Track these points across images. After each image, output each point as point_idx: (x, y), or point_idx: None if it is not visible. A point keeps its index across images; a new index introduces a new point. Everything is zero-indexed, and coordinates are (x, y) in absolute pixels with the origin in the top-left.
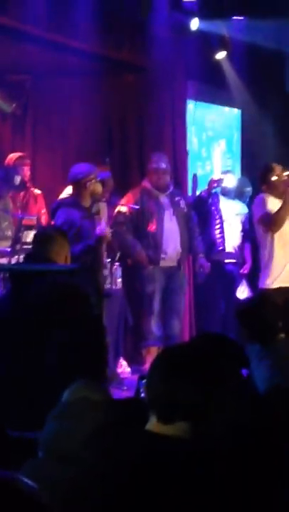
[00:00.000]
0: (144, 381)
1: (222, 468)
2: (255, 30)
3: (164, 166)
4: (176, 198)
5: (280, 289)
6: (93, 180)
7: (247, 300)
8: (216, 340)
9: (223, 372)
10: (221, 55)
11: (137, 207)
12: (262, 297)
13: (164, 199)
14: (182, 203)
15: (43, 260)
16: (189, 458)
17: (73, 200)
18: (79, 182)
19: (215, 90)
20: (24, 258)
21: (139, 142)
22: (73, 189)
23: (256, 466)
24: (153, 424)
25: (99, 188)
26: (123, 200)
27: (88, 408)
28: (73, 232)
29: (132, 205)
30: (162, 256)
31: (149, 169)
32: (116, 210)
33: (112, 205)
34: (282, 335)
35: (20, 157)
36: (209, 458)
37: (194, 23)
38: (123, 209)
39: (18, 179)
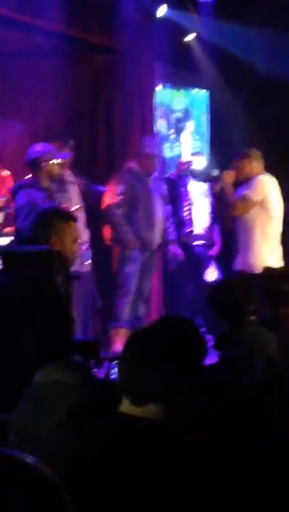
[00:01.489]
0: (114, 363)
1: (190, 451)
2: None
3: (157, 151)
4: (160, 183)
5: (243, 273)
6: (50, 161)
7: (218, 280)
8: (176, 324)
9: (190, 356)
10: (190, 36)
11: (121, 196)
12: (234, 278)
13: (151, 183)
14: (165, 188)
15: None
16: (159, 439)
17: (33, 181)
18: (34, 162)
19: (183, 72)
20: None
21: (107, 124)
22: (31, 170)
23: (224, 450)
24: (125, 407)
25: (55, 168)
26: (112, 183)
27: (60, 390)
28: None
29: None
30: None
31: (141, 153)
32: (106, 198)
33: (94, 189)
34: (253, 317)
35: None
36: (179, 440)
37: (161, 10)
38: (115, 192)
39: None
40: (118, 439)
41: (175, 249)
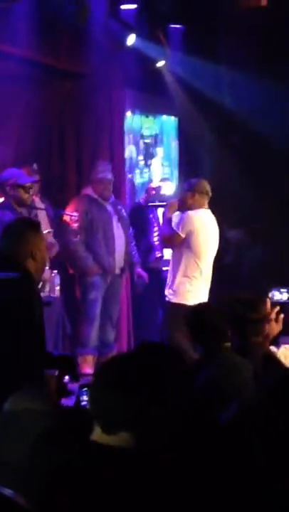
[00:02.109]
0: (84, 389)
1: (163, 479)
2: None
3: (109, 176)
4: (119, 207)
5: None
6: (14, 185)
7: (198, 304)
8: (156, 349)
9: (164, 383)
10: (159, 63)
11: (76, 215)
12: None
13: (109, 207)
14: (123, 212)
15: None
16: (131, 468)
17: (6, 204)
18: (1, 186)
19: (152, 98)
20: None
21: (76, 149)
22: (3, 194)
23: (198, 477)
24: (97, 434)
25: (21, 192)
26: (69, 209)
27: (31, 418)
28: None
29: (72, 214)
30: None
31: (94, 178)
32: (64, 219)
33: (56, 213)
34: (228, 343)
35: None
36: (151, 468)
37: (131, 39)
38: (73, 218)
39: None
40: (89, 467)
41: (140, 273)
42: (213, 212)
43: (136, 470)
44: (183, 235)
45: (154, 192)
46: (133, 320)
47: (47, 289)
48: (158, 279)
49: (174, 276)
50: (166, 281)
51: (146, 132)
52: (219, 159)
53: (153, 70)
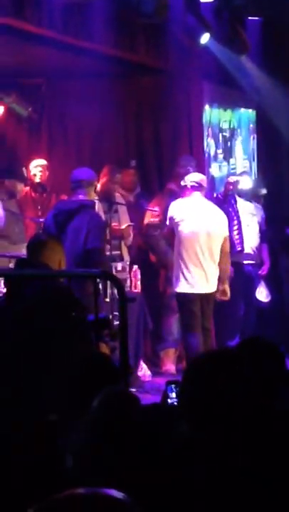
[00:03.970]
0: (171, 386)
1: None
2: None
3: (191, 170)
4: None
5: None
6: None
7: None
8: (253, 346)
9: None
10: (237, 56)
11: (157, 210)
12: None
13: None
14: None
15: (35, 266)
16: (220, 463)
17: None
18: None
19: (230, 91)
20: (17, 264)
21: (155, 144)
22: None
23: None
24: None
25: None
26: (152, 204)
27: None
28: None
29: (153, 209)
30: None
31: (176, 172)
32: (148, 215)
33: (140, 207)
34: None
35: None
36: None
37: (205, 37)
38: (154, 213)
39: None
40: (179, 465)
41: None
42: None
43: (224, 465)
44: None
45: (231, 187)
46: (215, 313)
47: (128, 284)
48: (240, 273)
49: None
50: (247, 274)
51: (224, 125)
52: None
53: (230, 62)
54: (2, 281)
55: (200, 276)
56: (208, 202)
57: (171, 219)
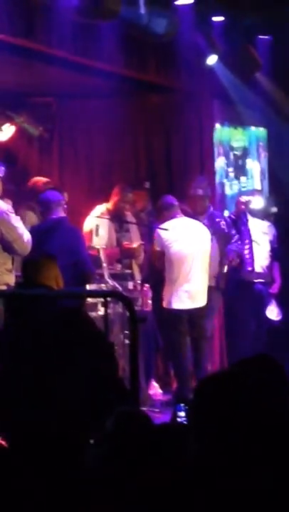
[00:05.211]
0: (181, 405)
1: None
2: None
3: (200, 192)
4: (217, 219)
5: None
6: None
7: None
8: (257, 363)
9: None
10: (247, 74)
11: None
12: None
13: (204, 221)
14: (222, 224)
15: (34, 286)
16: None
17: None
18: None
19: (241, 110)
20: (19, 286)
21: (166, 163)
22: None
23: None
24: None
25: None
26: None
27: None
28: None
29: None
30: None
31: (187, 194)
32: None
33: (151, 227)
34: None
35: (46, 182)
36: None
37: (211, 59)
38: None
39: None
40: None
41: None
42: None
43: (233, 484)
44: (158, 248)
45: (243, 206)
46: (226, 332)
47: (139, 303)
48: (250, 292)
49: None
50: (258, 293)
51: (235, 144)
52: None
53: (241, 81)
54: None
55: (191, 293)
56: (192, 220)
57: (163, 240)
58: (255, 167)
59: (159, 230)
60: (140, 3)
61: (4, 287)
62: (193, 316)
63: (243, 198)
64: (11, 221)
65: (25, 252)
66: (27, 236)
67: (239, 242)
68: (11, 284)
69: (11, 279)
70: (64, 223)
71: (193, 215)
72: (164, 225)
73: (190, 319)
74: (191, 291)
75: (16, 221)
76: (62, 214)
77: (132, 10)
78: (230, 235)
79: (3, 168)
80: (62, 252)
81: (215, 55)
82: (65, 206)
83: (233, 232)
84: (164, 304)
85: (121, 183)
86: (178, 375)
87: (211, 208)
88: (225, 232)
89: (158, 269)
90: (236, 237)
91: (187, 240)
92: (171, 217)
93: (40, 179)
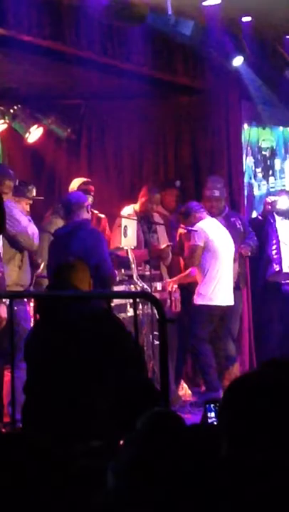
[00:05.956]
0: (210, 405)
1: None
2: None
3: (217, 194)
4: (232, 219)
5: None
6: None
7: None
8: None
9: None
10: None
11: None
12: None
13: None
14: (238, 223)
15: (68, 288)
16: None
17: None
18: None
19: (270, 110)
20: (48, 288)
21: (194, 164)
22: None
23: None
24: (226, 451)
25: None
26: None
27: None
28: None
29: (189, 228)
30: None
31: (203, 195)
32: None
33: (174, 227)
34: None
35: (85, 182)
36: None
37: (237, 61)
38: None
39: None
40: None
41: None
42: None
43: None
44: (201, 244)
45: (270, 206)
46: (254, 334)
47: (168, 304)
48: (278, 293)
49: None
50: (286, 294)
51: (263, 144)
52: None
53: (269, 80)
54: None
55: (225, 290)
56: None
57: (207, 235)
58: (286, 167)
59: (202, 226)
60: (167, 5)
61: (19, 288)
62: (224, 314)
63: (270, 199)
64: (13, 214)
65: (33, 247)
66: (32, 230)
67: (255, 239)
68: (21, 283)
69: (21, 278)
70: (85, 226)
71: (210, 216)
72: (197, 226)
73: (221, 317)
74: (226, 288)
75: (19, 215)
76: (84, 216)
77: (159, 12)
78: (246, 232)
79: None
80: (83, 255)
81: (242, 56)
82: (90, 208)
83: (250, 229)
84: (200, 301)
85: (149, 184)
86: (205, 373)
87: (227, 209)
88: (240, 231)
89: (190, 264)
90: (252, 234)
91: (222, 238)
92: (200, 219)
93: (79, 180)
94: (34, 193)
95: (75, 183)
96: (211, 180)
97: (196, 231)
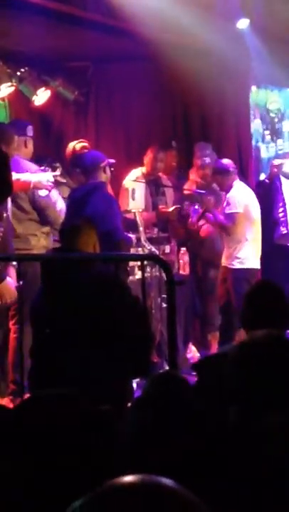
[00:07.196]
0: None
1: None
2: None
3: (208, 160)
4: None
5: None
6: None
7: None
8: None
9: None
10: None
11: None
12: None
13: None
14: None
15: (71, 251)
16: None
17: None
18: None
19: (278, 71)
20: (53, 250)
21: (201, 126)
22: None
23: None
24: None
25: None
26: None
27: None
28: None
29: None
30: None
31: (194, 164)
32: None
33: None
34: None
35: (83, 147)
36: None
37: (243, 23)
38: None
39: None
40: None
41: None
42: None
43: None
44: (241, 211)
45: (276, 170)
46: None
47: (176, 266)
48: (284, 255)
49: None
50: None
51: (271, 106)
52: None
53: (278, 42)
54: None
55: (258, 254)
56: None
57: (246, 202)
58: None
59: (237, 192)
60: None
61: (43, 250)
62: (253, 277)
63: (276, 161)
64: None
65: (58, 222)
66: (60, 205)
67: None
68: (49, 247)
69: (49, 243)
70: (98, 190)
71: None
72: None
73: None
74: (258, 252)
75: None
76: (100, 179)
77: None
78: None
79: (31, 126)
80: (94, 220)
81: (247, 18)
82: (110, 168)
83: None
84: (242, 265)
85: (153, 145)
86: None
87: None
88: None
89: (231, 232)
90: None
91: (255, 202)
92: (233, 180)
93: (77, 143)
94: (58, 172)
95: (76, 148)
96: (199, 147)
97: (203, 193)
